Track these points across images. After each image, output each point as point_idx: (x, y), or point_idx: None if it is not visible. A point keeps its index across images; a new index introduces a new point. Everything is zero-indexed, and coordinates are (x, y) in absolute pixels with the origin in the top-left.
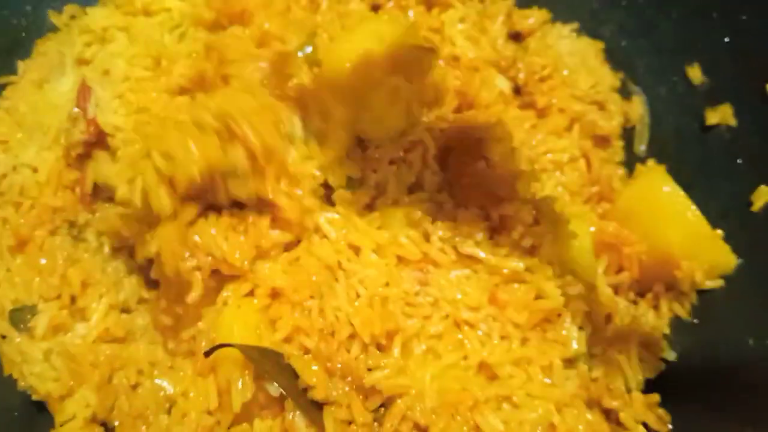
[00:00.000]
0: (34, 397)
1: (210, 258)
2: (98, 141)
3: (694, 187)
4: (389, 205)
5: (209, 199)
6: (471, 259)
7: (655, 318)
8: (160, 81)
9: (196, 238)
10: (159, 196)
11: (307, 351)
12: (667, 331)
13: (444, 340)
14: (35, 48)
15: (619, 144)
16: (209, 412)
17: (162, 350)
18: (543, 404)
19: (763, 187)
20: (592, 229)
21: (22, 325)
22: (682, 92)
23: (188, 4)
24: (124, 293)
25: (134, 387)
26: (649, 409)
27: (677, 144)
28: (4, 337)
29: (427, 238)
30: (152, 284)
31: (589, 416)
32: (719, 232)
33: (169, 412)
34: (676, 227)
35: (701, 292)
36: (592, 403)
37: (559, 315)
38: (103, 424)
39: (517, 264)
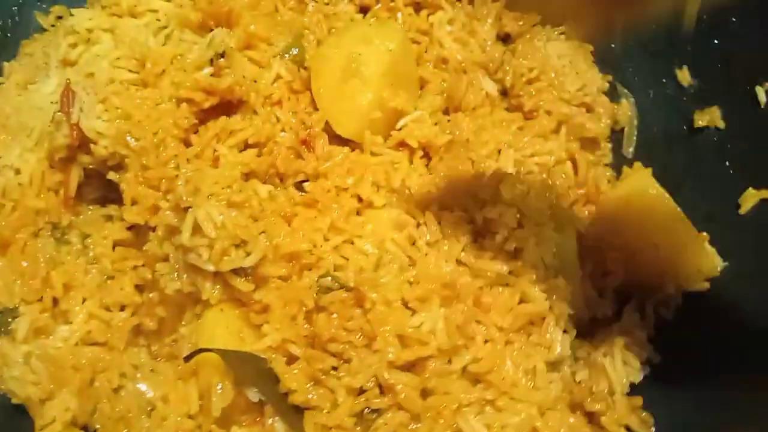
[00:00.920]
0: (14, 401)
1: None
2: (81, 145)
3: (681, 189)
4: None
5: None
6: (457, 263)
7: (639, 321)
8: (146, 90)
9: None
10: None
11: (292, 359)
12: (651, 333)
13: None
14: (21, 49)
15: (607, 146)
16: (190, 416)
17: (146, 353)
18: (526, 408)
19: (750, 190)
20: (578, 232)
21: (2, 328)
22: (671, 94)
23: (174, 5)
24: (107, 296)
25: (116, 390)
26: (632, 412)
27: (665, 146)
28: None
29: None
30: (137, 288)
31: (571, 419)
32: (705, 234)
33: (150, 415)
34: (661, 230)
35: (687, 295)
36: (576, 407)
37: (543, 318)
38: (84, 428)
39: (501, 267)
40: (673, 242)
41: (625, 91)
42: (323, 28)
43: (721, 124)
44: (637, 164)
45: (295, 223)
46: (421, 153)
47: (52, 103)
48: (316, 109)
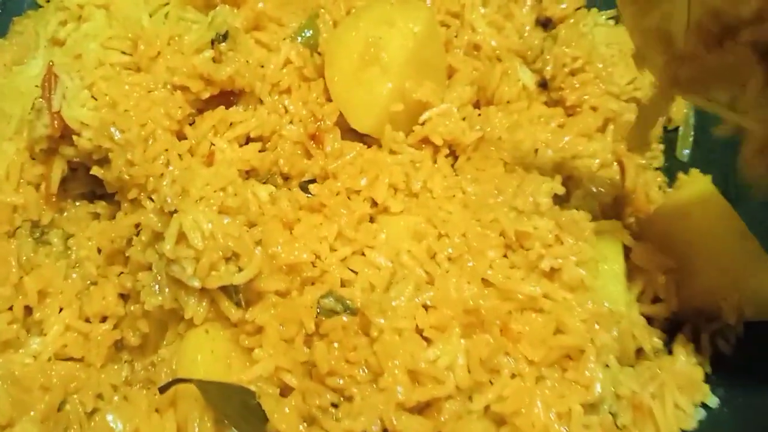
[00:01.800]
0: None
1: None
2: (64, 136)
3: (744, 201)
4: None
5: None
6: (482, 282)
7: (694, 355)
8: (138, 75)
9: None
10: None
11: (286, 390)
12: (708, 370)
13: None
14: (12, 27)
15: (659, 148)
16: None
17: (128, 370)
18: None
19: None
20: (625, 249)
21: None
22: None
23: None
24: (88, 305)
25: (91, 414)
26: None
27: (727, 149)
28: None
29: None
30: (121, 297)
31: None
32: None
33: None
34: (722, 249)
35: (749, 325)
36: None
37: (582, 351)
38: None
39: (534, 289)
40: (735, 263)
41: None
42: (341, 8)
43: None
44: (694, 170)
45: (297, 230)
46: (446, 151)
47: (36, 86)
48: (329, 100)
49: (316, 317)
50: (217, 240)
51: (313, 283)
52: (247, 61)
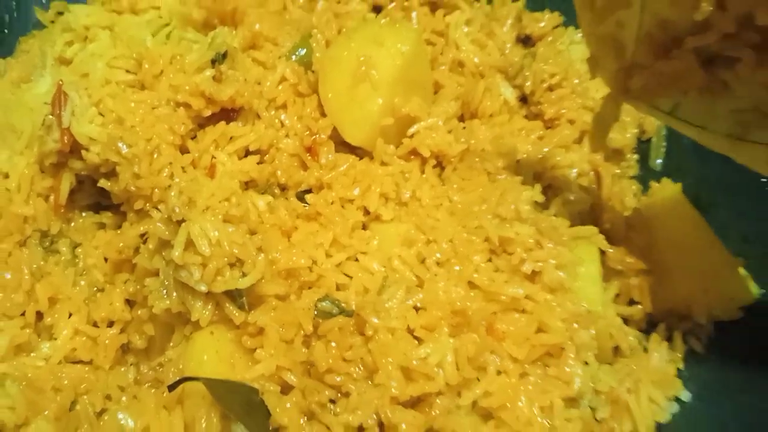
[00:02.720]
0: None
1: None
2: (73, 150)
3: (714, 207)
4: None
5: None
6: (469, 285)
7: (668, 352)
8: (143, 92)
9: None
10: None
11: (286, 388)
12: (681, 366)
13: None
14: (18, 46)
15: (633, 158)
16: None
17: (134, 372)
18: None
19: None
20: (601, 253)
21: None
22: None
23: (178, 2)
24: (95, 311)
25: (100, 414)
26: None
27: (697, 159)
28: None
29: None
30: (127, 302)
31: None
32: (740, 260)
33: None
34: (692, 253)
35: (719, 325)
36: None
37: (562, 349)
38: None
39: (517, 291)
40: (704, 267)
41: None
42: (333, 28)
43: None
44: (666, 179)
45: (295, 238)
46: (433, 162)
47: (45, 103)
48: (323, 115)
49: (314, 319)
50: (223, 247)
51: (310, 287)
52: (245, 79)
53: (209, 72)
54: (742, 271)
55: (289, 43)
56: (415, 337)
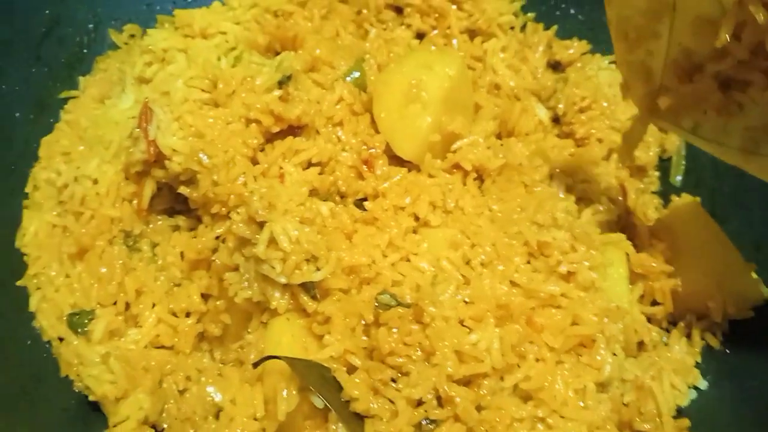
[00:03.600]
0: (91, 398)
1: None
2: (156, 160)
3: (729, 218)
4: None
5: None
6: (510, 283)
7: (687, 346)
8: (217, 109)
9: None
10: None
11: (351, 369)
12: (699, 359)
13: None
14: (95, 65)
15: (655, 174)
16: (255, 419)
17: (208, 358)
18: (576, 426)
19: None
20: (627, 257)
21: (79, 329)
22: None
23: (243, 28)
24: (174, 303)
25: (182, 392)
26: None
27: (713, 175)
28: (61, 339)
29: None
30: (202, 296)
31: None
32: (752, 264)
33: (217, 417)
34: (708, 258)
35: (732, 323)
36: (624, 426)
37: (594, 340)
38: (153, 427)
39: (554, 289)
40: (720, 270)
41: None
42: (384, 53)
43: None
44: (685, 194)
45: (356, 239)
46: (474, 175)
47: (130, 118)
48: (377, 131)
49: (374, 310)
50: (301, 244)
51: (368, 283)
52: (308, 99)
53: (277, 92)
54: (754, 275)
55: (344, 66)
56: (465, 326)
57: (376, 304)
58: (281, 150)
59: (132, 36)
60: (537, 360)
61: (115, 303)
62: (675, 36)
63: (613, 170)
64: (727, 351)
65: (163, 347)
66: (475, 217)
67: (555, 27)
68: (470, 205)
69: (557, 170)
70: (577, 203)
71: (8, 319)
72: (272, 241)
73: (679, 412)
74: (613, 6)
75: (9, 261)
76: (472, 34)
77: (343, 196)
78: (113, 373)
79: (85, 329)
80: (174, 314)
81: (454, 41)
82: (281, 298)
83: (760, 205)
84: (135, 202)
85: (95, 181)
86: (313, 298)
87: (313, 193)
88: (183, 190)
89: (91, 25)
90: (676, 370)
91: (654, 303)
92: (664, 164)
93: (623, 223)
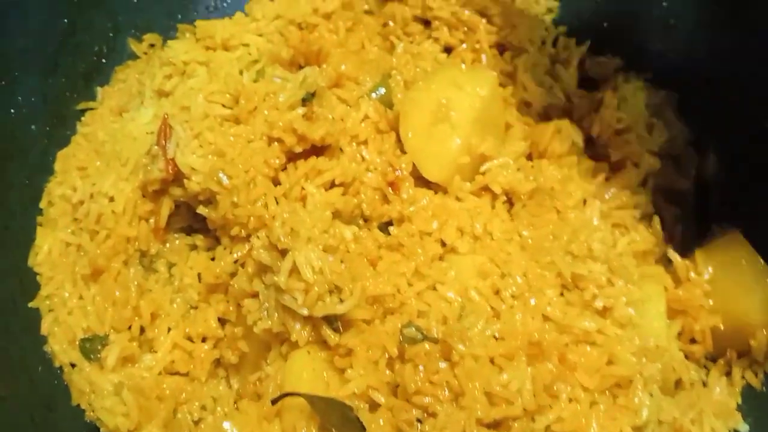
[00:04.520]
0: (103, 431)
1: None
2: (174, 179)
3: None
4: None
5: None
6: (543, 317)
7: (727, 386)
8: (239, 126)
9: None
10: None
11: (374, 406)
12: (739, 400)
13: None
14: (114, 75)
15: (692, 201)
16: None
17: (224, 385)
18: None
19: None
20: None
21: (92, 356)
22: None
23: (266, 41)
24: (191, 327)
25: (197, 423)
26: None
27: (755, 201)
28: (73, 365)
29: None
30: (220, 320)
31: None
32: None
33: None
34: (752, 295)
35: None
36: None
37: (631, 381)
38: None
39: (589, 324)
40: (763, 308)
41: (713, 141)
42: (411, 69)
43: None
44: (726, 225)
45: (380, 267)
46: (503, 199)
47: (148, 134)
48: (403, 151)
49: (399, 344)
50: (325, 275)
51: (393, 313)
52: (332, 117)
53: (301, 110)
54: None
55: (370, 82)
56: (495, 364)
57: (401, 338)
58: (304, 170)
59: (152, 46)
60: (570, 400)
61: (129, 327)
62: None
63: (650, 196)
64: None
65: (178, 374)
66: (505, 243)
67: (588, 42)
68: (499, 230)
69: (591, 196)
70: (611, 231)
71: (19, 343)
72: (294, 271)
73: None
74: None
75: (21, 280)
76: (501, 48)
77: (366, 220)
78: (126, 405)
79: (98, 355)
80: (190, 339)
81: (483, 56)
82: (302, 330)
83: None
84: (152, 221)
85: (111, 199)
86: (335, 330)
87: (336, 215)
88: (202, 210)
89: (111, 34)
90: (717, 413)
91: (692, 341)
92: (701, 189)
93: (661, 252)
